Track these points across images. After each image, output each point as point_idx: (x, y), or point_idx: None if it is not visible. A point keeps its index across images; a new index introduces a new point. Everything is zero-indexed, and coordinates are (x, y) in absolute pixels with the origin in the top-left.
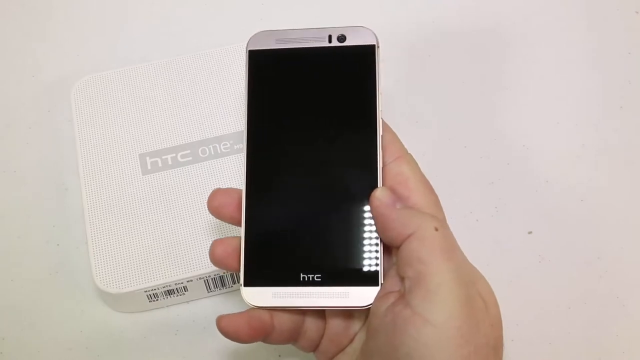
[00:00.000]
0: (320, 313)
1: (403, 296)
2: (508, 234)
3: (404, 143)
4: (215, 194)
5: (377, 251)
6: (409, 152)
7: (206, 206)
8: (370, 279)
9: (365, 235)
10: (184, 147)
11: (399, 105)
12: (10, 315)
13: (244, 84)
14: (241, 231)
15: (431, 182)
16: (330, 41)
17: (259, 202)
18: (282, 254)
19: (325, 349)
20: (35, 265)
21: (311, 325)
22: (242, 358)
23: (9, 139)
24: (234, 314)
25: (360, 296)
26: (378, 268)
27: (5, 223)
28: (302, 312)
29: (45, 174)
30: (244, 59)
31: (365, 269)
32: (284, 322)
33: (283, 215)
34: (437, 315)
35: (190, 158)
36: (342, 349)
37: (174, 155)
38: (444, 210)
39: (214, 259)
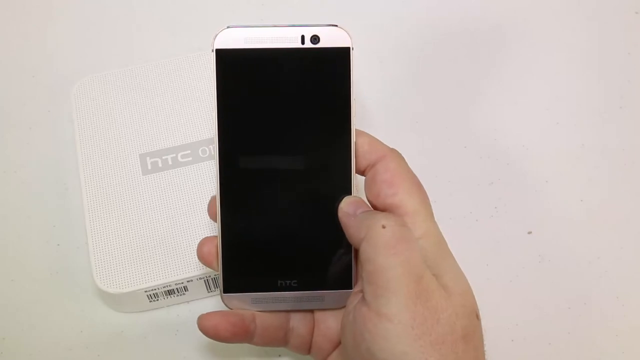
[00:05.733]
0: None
1: (364, 295)
2: (508, 234)
3: (404, 143)
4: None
5: (349, 256)
6: (393, 148)
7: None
8: (343, 282)
9: (339, 241)
10: (184, 147)
11: (399, 105)
12: (10, 315)
13: (213, 87)
14: (217, 239)
15: (431, 182)
16: (303, 42)
17: (234, 211)
18: (259, 261)
19: (320, 345)
20: (35, 265)
21: (297, 322)
22: (242, 358)
23: (9, 139)
24: (213, 311)
25: (335, 299)
26: (351, 272)
27: (5, 223)
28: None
29: (45, 174)
30: (211, 59)
31: (339, 273)
32: (266, 319)
33: (259, 222)
34: (389, 309)
35: (191, 158)
36: (337, 345)
37: (174, 155)
38: (444, 210)
39: (200, 257)
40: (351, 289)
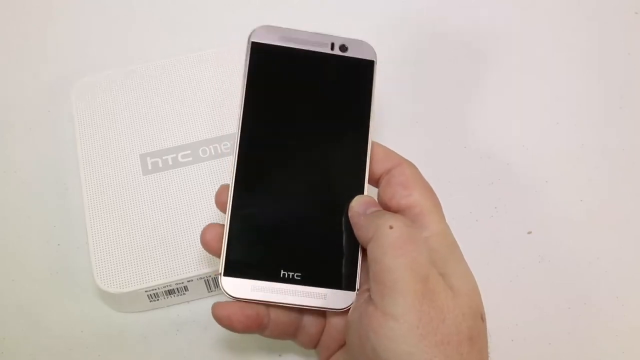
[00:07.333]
0: (320, 310)
1: (371, 294)
2: (508, 234)
3: (404, 143)
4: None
5: (356, 257)
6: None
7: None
8: (347, 283)
9: (347, 241)
10: (185, 147)
11: (400, 105)
12: (10, 315)
13: (243, 76)
14: (225, 221)
15: (431, 183)
16: (332, 48)
17: (245, 196)
18: (264, 249)
19: (326, 344)
20: (36, 265)
21: (310, 321)
22: (242, 358)
23: (9, 139)
24: (229, 301)
25: (337, 299)
26: (356, 274)
27: (5, 223)
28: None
29: (45, 174)
30: (246, 49)
31: (344, 273)
32: (280, 315)
33: (269, 211)
34: (395, 309)
35: (191, 158)
36: (342, 346)
37: (174, 155)
38: (444, 210)
39: (203, 242)
40: (354, 290)
